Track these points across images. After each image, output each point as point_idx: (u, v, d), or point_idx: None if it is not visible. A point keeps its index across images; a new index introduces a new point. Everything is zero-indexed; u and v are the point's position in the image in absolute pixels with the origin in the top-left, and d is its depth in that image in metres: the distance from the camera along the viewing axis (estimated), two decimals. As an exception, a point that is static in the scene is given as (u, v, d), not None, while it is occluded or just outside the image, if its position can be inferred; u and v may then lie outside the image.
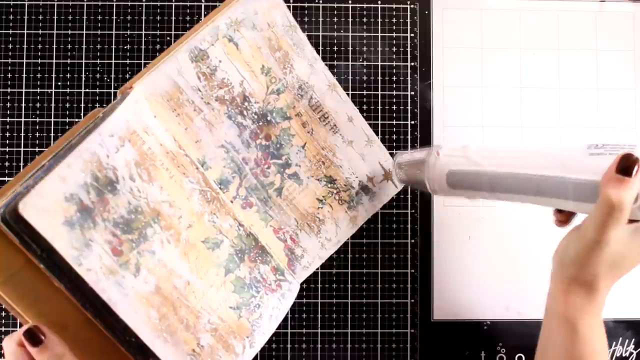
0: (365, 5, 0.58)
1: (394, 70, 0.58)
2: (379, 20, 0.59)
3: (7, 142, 0.56)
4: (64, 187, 0.39)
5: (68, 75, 0.57)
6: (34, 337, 0.39)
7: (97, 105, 0.57)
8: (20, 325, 0.42)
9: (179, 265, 0.44)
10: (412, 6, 0.59)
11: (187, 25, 0.57)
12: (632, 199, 0.37)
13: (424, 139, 0.58)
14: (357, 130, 0.54)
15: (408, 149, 0.58)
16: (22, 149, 0.56)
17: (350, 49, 0.58)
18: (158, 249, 0.43)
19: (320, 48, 0.58)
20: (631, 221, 0.38)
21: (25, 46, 0.57)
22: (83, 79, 0.57)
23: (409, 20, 0.59)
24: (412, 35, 0.59)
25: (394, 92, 0.58)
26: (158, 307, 0.43)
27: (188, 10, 0.58)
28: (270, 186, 0.51)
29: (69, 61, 0.57)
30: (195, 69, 0.48)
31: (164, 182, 0.45)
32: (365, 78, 0.58)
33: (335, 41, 0.58)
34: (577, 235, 0.40)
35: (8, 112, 0.56)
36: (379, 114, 0.58)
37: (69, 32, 0.57)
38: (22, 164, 0.56)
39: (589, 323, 0.41)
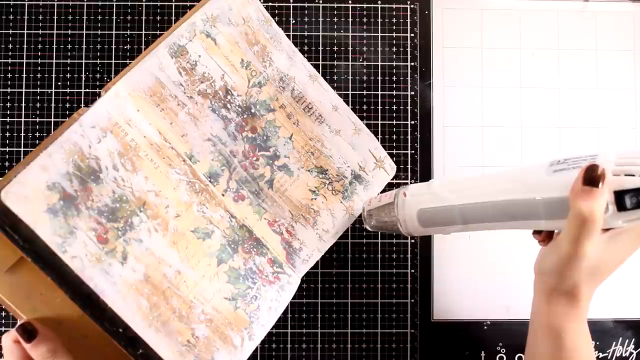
0: (365, 5, 0.58)
1: (394, 70, 0.58)
2: (379, 20, 0.59)
3: (7, 142, 0.56)
4: (46, 176, 0.40)
5: (68, 75, 0.57)
6: (27, 332, 0.40)
7: (97, 105, 0.57)
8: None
9: (168, 254, 0.45)
10: (412, 6, 0.59)
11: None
12: (603, 209, 0.37)
13: (424, 139, 0.58)
14: (343, 119, 0.54)
15: (408, 149, 0.58)
16: (22, 149, 0.56)
17: (350, 49, 0.58)
18: (145, 238, 0.44)
19: (320, 48, 0.58)
20: (604, 230, 0.38)
21: (25, 46, 0.57)
22: (83, 79, 0.57)
23: (409, 20, 0.59)
24: (412, 35, 0.59)
25: (394, 92, 0.58)
26: (148, 296, 0.43)
27: (188, 11, 0.58)
28: (261, 178, 0.51)
29: (69, 61, 0.57)
30: (175, 64, 0.48)
31: (149, 173, 0.45)
32: (365, 78, 0.58)
33: (335, 41, 0.58)
34: (553, 248, 0.40)
35: (8, 112, 0.56)
36: (379, 114, 0.58)
37: (69, 32, 0.57)
38: (22, 163, 0.56)
39: (573, 330, 0.41)
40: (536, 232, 0.44)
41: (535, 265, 0.44)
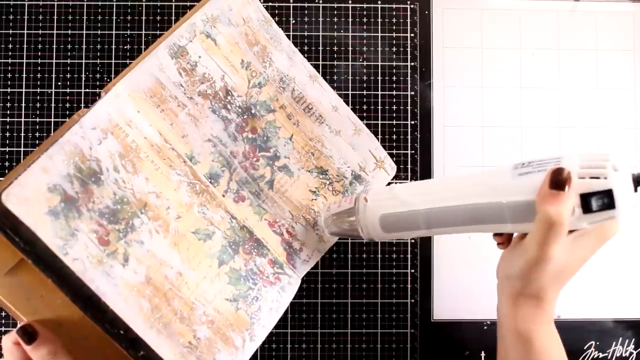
0: (365, 5, 0.58)
1: (394, 70, 0.58)
2: (379, 20, 0.58)
3: (7, 142, 0.56)
4: (47, 178, 0.39)
5: (68, 75, 0.57)
6: (27, 334, 0.40)
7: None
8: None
9: (169, 255, 0.45)
10: (412, 6, 0.59)
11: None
12: (570, 212, 0.37)
13: (424, 139, 0.58)
14: (343, 120, 0.54)
15: (408, 149, 0.58)
16: (22, 149, 0.56)
17: (350, 49, 0.58)
18: (146, 239, 0.44)
19: (320, 48, 0.58)
20: (569, 232, 0.38)
21: (25, 46, 0.57)
22: (83, 79, 0.57)
23: (409, 20, 0.59)
24: (412, 35, 0.59)
25: (394, 92, 0.58)
26: (150, 298, 0.43)
27: (188, 11, 0.57)
28: (261, 179, 0.51)
29: (69, 61, 0.57)
30: (175, 65, 0.48)
31: (150, 174, 0.45)
32: (365, 78, 0.58)
33: (335, 41, 0.58)
34: (519, 252, 0.40)
35: (8, 112, 0.56)
36: (379, 114, 0.58)
37: (69, 32, 0.57)
38: (22, 164, 0.56)
39: (542, 333, 0.41)
40: (497, 235, 0.44)
41: (499, 270, 0.44)
